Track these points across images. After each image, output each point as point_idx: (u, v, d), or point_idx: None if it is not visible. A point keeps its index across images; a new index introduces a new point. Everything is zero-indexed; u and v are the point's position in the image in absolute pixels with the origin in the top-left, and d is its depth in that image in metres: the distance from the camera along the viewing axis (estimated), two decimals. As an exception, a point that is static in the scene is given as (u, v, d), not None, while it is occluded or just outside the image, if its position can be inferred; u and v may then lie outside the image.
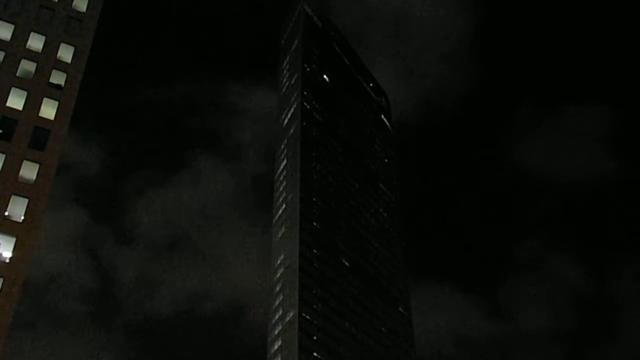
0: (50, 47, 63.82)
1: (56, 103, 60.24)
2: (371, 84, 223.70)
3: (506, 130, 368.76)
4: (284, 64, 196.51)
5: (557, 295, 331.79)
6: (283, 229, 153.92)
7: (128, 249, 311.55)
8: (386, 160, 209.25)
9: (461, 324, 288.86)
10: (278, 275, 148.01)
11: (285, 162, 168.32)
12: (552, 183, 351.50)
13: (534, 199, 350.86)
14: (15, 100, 58.57)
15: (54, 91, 61.08)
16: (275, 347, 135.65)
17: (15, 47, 62.08)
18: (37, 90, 60.13)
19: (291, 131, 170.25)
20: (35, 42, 63.50)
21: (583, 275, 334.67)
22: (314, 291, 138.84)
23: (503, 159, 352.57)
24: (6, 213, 52.26)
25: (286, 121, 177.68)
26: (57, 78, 62.16)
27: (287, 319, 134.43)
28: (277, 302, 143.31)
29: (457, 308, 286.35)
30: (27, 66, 61.45)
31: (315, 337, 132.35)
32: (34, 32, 64.04)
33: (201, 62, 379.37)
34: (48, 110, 59.48)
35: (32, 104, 58.95)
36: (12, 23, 63.43)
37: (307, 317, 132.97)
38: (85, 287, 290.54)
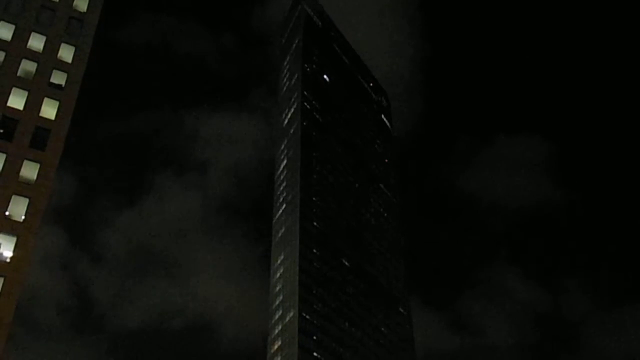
0: (51, 47, 63.89)
1: (57, 103, 60.32)
2: (371, 84, 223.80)
3: (447, 161, 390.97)
4: (284, 64, 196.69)
5: (516, 312, 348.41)
6: (283, 229, 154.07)
7: (101, 267, 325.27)
8: (386, 161, 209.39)
9: (428, 337, 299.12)
10: (278, 275, 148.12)
11: (285, 162, 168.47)
12: (497, 209, 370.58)
13: (481, 223, 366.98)
14: (16, 100, 58.65)
15: (55, 91, 61.17)
16: (275, 347, 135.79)
17: (16, 47, 62.17)
18: (37, 90, 60.23)
19: (291, 131, 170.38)
20: (36, 42, 63.56)
21: (538, 294, 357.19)
22: (314, 291, 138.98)
23: (448, 188, 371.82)
24: (7, 213, 52.38)
25: (286, 121, 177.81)
26: (58, 78, 62.23)
27: (287, 318, 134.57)
28: (277, 302, 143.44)
29: (422, 321, 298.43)
30: (27, 66, 61.53)
31: (315, 337, 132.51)
32: (35, 32, 64.09)
33: (163, 91, 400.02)
34: (49, 110, 59.56)
35: (33, 104, 59.05)
36: (12, 23, 63.50)
37: (307, 316, 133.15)
38: (62, 302, 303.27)
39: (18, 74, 60.60)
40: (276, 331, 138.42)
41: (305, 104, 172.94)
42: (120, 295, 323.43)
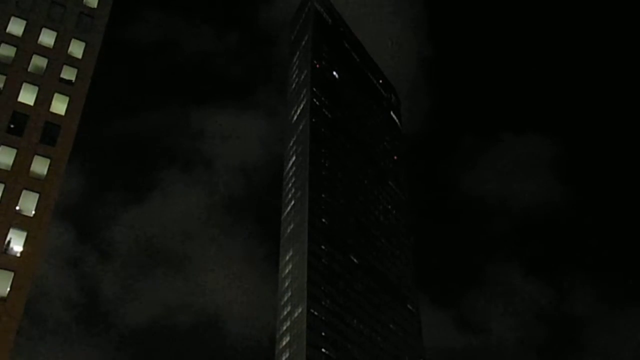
0: (62, 42, 64.07)
1: (67, 98, 60.51)
2: (380, 81, 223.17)
3: (453, 159, 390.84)
4: (294, 60, 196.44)
5: (521, 310, 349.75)
6: (292, 226, 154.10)
7: (109, 264, 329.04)
8: (395, 158, 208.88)
9: (434, 334, 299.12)
10: (286, 271, 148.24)
11: (294, 158, 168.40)
12: (503, 207, 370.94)
13: (487, 222, 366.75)
14: (27, 96, 58.87)
15: (65, 87, 61.34)
16: (284, 342, 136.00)
17: (27, 43, 62.38)
18: (48, 85, 60.43)
19: (300, 128, 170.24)
20: (47, 38, 63.75)
21: (543, 292, 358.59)
22: (322, 287, 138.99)
23: (454, 186, 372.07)
24: (17, 208, 52.58)
25: (295, 118, 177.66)
26: (68, 74, 62.43)
27: (296, 314, 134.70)
28: (285, 298, 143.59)
29: (429, 319, 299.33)
30: (38, 62, 61.75)
31: (323, 333, 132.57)
32: (46, 27, 64.28)
33: (170, 89, 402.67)
34: (59, 105, 59.74)
35: (43, 100, 59.25)
36: (24, 19, 63.71)
37: (315, 313, 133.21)
38: (70, 298, 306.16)
39: (29, 70, 60.84)
40: (284, 327, 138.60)
41: (315, 100, 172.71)
42: (128, 292, 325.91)
